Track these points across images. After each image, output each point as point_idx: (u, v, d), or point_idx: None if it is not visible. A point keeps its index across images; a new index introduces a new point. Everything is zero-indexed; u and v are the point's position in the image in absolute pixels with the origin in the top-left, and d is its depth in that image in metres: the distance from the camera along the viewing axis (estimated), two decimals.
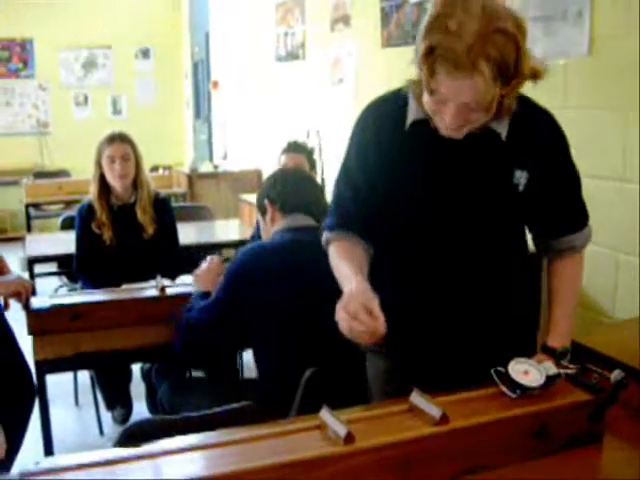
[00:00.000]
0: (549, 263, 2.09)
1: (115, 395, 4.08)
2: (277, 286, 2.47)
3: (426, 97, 1.74)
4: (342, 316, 1.71)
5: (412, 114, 1.88)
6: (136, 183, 3.95)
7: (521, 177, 1.89)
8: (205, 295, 2.76)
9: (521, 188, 1.89)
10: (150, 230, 3.91)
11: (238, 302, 2.49)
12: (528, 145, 1.89)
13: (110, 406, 4.09)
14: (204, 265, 3.00)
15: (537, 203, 1.95)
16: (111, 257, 3.83)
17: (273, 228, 2.65)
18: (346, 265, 1.92)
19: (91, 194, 3.94)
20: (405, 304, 1.99)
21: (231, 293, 2.52)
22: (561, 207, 2.01)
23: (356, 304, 1.70)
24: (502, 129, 1.85)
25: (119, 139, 3.92)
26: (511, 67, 1.65)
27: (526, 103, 1.91)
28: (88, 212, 3.91)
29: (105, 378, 4.02)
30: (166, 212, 4.08)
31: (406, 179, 1.91)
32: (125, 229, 3.88)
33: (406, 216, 1.95)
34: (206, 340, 2.60)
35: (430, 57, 1.64)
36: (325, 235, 2.05)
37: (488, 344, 1.99)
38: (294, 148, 4.35)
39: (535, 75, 1.78)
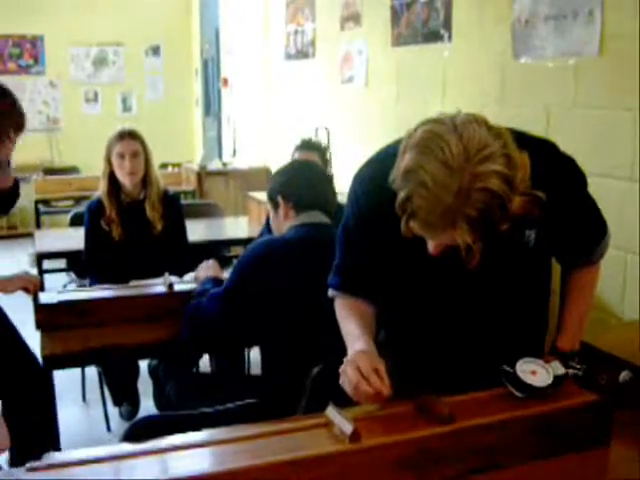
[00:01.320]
0: (564, 270, 2.07)
1: (122, 392, 4.09)
2: (288, 280, 2.46)
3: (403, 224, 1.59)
4: (351, 373, 1.71)
5: None
6: (145, 180, 3.93)
7: (530, 235, 1.83)
8: (214, 281, 2.78)
9: (531, 245, 1.85)
10: (159, 226, 3.90)
11: (247, 292, 2.48)
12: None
13: (117, 402, 4.10)
14: (203, 264, 3.13)
15: (549, 247, 1.93)
16: (120, 253, 3.83)
17: (286, 223, 2.64)
18: (353, 323, 1.93)
19: (100, 190, 3.93)
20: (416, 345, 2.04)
21: (241, 282, 2.52)
22: (573, 244, 1.97)
23: (367, 365, 1.71)
24: None
25: (129, 136, 3.90)
26: (495, 221, 1.51)
27: (539, 161, 1.69)
28: (97, 208, 3.90)
29: (113, 374, 4.02)
30: (175, 209, 4.07)
31: (416, 251, 1.75)
32: (134, 225, 3.88)
33: (418, 286, 1.93)
34: (213, 329, 2.59)
35: (407, 207, 1.52)
36: (330, 292, 2.06)
37: (495, 348, 1.98)
38: (307, 146, 4.34)
39: (527, 211, 1.58)
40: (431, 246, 1.62)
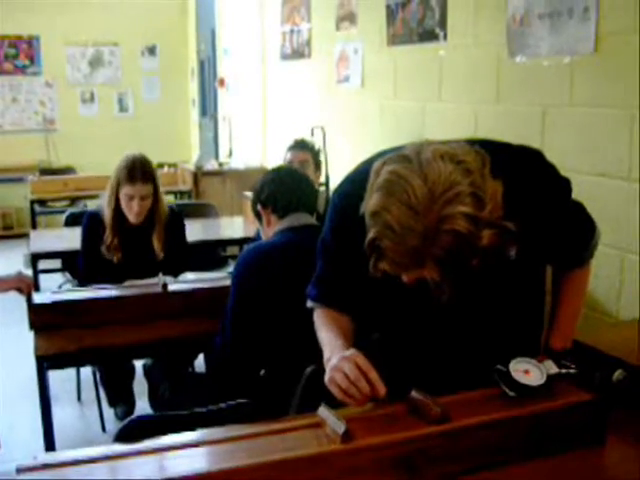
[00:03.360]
0: (555, 271, 2.07)
1: (118, 392, 4.07)
2: (277, 284, 2.46)
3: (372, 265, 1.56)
4: (340, 379, 1.68)
5: None
6: (153, 212, 3.75)
7: (511, 251, 1.72)
8: None
9: (512, 258, 1.74)
10: (161, 253, 3.76)
11: (246, 299, 2.48)
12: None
13: (113, 403, 4.09)
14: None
15: (536, 256, 1.90)
16: (118, 274, 3.60)
17: (271, 230, 2.64)
18: (331, 331, 1.92)
19: (105, 217, 3.71)
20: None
21: (239, 296, 2.52)
22: (561, 251, 1.96)
23: (355, 370, 1.67)
24: None
25: (141, 179, 3.63)
26: (464, 259, 1.48)
27: (521, 172, 1.75)
28: (94, 224, 3.75)
29: (108, 375, 4.01)
30: (178, 228, 3.96)
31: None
32: (136, 250, 3.73)
33: (400, 300, 1.89)
34: (234, 358, 2.57)
35: (375, 246, 1.51)
36: (308, 303, 2.06)
37: (489, 350, 1.97)
38: (300, 146, 4.35)
39: (497, 243, 1.52)
40: (404, 278, 1.59)
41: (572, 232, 1.95)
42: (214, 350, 2.62)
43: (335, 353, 1.79)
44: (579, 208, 1.98)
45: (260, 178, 2.80)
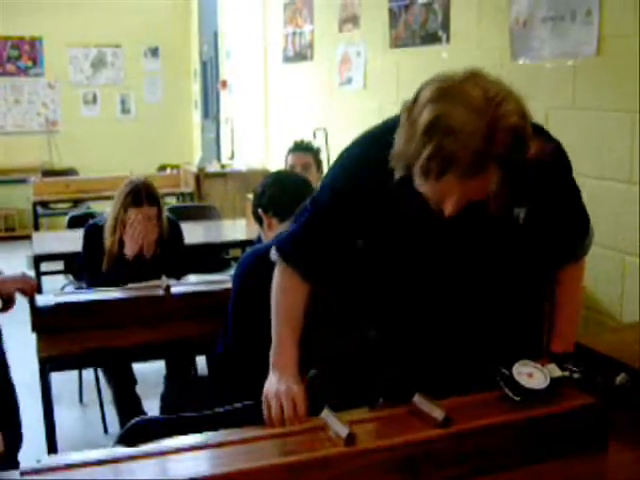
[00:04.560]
0: (552, 270, 2.05)
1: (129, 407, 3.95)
2: None
3: (423, 186, 1.59)
4: (275, 409, 1.77)
5: (399, 171, 1.66)
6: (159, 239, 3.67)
7: (520, 212, 1.80)
8: None
9: (521, 221, 1.81)
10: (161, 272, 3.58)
11: (249, 305, 2.48)
12: (525, 186, 1.67)
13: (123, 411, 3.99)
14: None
15: (536, 235, 1.89)
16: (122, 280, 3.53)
17: (273, 233, 2.64)
18: (288, 324, 1.95)
19: (106, 242, 3.61)
20: (401, 334, 2.00)
21: (240, 299, 2.51)
22: (559, 238, 1.95)
23: (290, 406, 1.76)
24: None
25: (147, 201, 3.57)
26: (520, 160, 1.54)
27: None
28: (95, 237, 3.67)
29: (119, 391, 3.89)
30: (177, 240, 3.90)
31: (403, 226, 1.82)
32: (138, 275, 3.55)
33: (401, 262, 1.89)
34: (235, 360, 2.55)
35: (436, 161, 1.50)
36: (276, 254, 1.99)
37: (491, 351, 1.97)
38: (300, 148, 4.34)
39: (539, 158, 1.61)
40: (451, 206, 1.58)
41: (574, 210, 1.98)
42: (216, 352, 2.62)
43: (283, 371, 1.88)
44: (580, 194, 2.00)
45: (260, 182, 2.81)
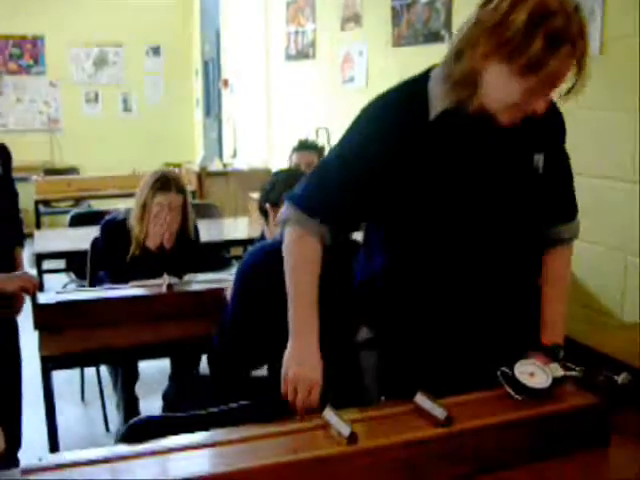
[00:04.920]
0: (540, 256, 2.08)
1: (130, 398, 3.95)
2: (282, 283, 2.45)
3: (515, 87, 1.67)
4: (290, 392, 1.85)
5: (440, 103, 1.78)
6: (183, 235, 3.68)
7: (539, 160, 1.89)
8: None
9: (540, 171, 1.90)
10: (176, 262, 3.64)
11: (250, 301, 2.48)
12: (542, 127, 1.85)
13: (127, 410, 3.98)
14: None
15: (550, 183, 1.95)
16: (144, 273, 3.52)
17: (277, 229, 2.65)
18: (304, 301, 1.95)
19: (133, 231, 3.60)
20: (422, 299, 1.97)
21: (242, 294, 2.51)
22: (559, 193, 2.02)
23: (305, 389, 1.84)
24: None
25: (175, 188, 3.58)
26: (587, 45, 1.69)
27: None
28: (116, 231, 3.66)
29: (126, 380, 3.88)
30: (196, 238, 3.91)
31: (433, 171, 1.83)
32: (160, 269, 3.50)
33: (431, 210, 1.88)
34: (230, 350, 2.56)
35: (553, 44, 1.61)
36: (289, 210, 1.94)
37: (495, 346, 1.98)
38: (305, 146, 4.34)
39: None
40: (544, 102, 1.72)
41: (569, 180, 2.05)
42: (212, 348, 2.62)
43: (307, 346, 1.90)
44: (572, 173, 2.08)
45: (271, 177, 2.83)
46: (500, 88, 1.68)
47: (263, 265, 2.51)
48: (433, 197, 1.86)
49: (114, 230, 3.66)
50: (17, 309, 3.02)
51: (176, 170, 8.02)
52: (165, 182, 3.56)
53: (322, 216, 1.89)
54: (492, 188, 1.87)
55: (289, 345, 1.91)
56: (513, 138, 1.83)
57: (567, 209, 2.06)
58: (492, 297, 1.97)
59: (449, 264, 1.92)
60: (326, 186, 1.90)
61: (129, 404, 3.80)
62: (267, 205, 2.71)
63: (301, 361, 1.87)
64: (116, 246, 3.62)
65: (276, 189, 2.69)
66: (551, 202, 2.00)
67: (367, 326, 2.10)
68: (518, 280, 2.00)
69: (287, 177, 2.78)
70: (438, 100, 1.79)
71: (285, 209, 1.96)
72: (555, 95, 1.75)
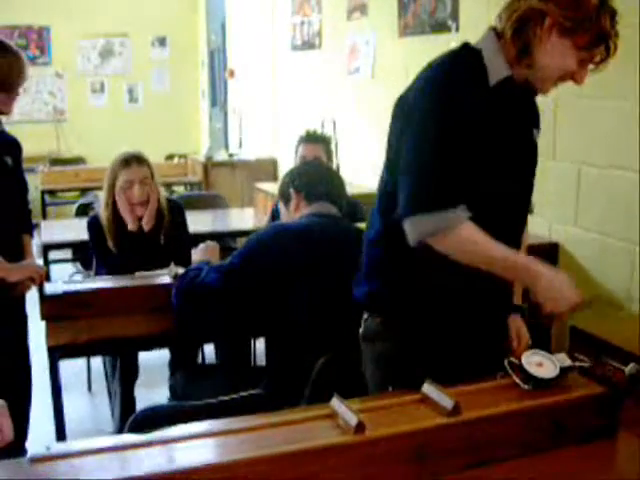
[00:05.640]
0: None
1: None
2: (296, 266, 2.45)
3: (570, 60, 1.84)
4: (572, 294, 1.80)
5: (499, 71, 1.89)
6: (157, 211, 3.65)
7: (537, 135, 2.05)
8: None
9: (536, 145, 2.05)
10: (168, 248, 3.63)
11: (254, 270, 2.47)
12: (534, 106, 2.06)
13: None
14: (201, 246, 3.02)
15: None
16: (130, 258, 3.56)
17: (298, 214, 2.66)
18: (503, 252, 1.81)
19: (103, 221, 3.62)
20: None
21: (249, 260, 2.50)
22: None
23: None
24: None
25: (136, 162, 3.58)
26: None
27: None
28: (96, 229, 3.66)
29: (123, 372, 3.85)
30: (180, 221, 3.86)
31: (494, 135, 1.90)
32: (141, 252, 3.59)
33: (492, 178, 1.88)
34: (208, 298, 2.52)
35: (612, 19, 1.84)
36: (420, 226, 1.79)
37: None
38: (312, 139, 4.31)
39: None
40: (585, 73, 1.92)
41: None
42: (190, 280, 2.60)
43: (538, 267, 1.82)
44: None
45: (300, 165, 3.02)
46: (558, 57, 1.83)
47: (271, 244, 2.51)
48: (489, 160, 1.88)
49: (96, 225, 3.67)
50: (18, 292, 3.03)
51: (182, 161, 8.09)
52: (126, 159, 3.57)
53: (449, 202, 1.78)
54: (526, 156, 2.02)
55: (533, 283, 1.81)
56: (530, 112, 2.03)
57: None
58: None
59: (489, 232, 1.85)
60: (431, 176, 1.80)
61: (126, 398, 3.78)
62: (291, 190, 2.71)
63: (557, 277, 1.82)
64: (100, 240, 3.62)
65: (304, 177, 2.71)
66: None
67: (374, 316, 2.08)
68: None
69: (317, 168, 2.81)
70: (497, 68, 1.89)
71: (411, 228, 1.80)
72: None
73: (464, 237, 1.79)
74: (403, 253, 1.88)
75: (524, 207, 2.07)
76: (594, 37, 1.82)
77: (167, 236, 3.67)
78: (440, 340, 1.98)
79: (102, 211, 3.61)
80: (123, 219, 3.58)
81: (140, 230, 3.60)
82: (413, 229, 1.79)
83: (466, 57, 1.92)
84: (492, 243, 1.79)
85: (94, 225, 3.68)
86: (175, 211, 3.81)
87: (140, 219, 3.59)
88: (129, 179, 3.54)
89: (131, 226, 3.58)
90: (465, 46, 1.95)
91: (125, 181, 3.54)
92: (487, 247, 1.79)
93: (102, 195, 3.67)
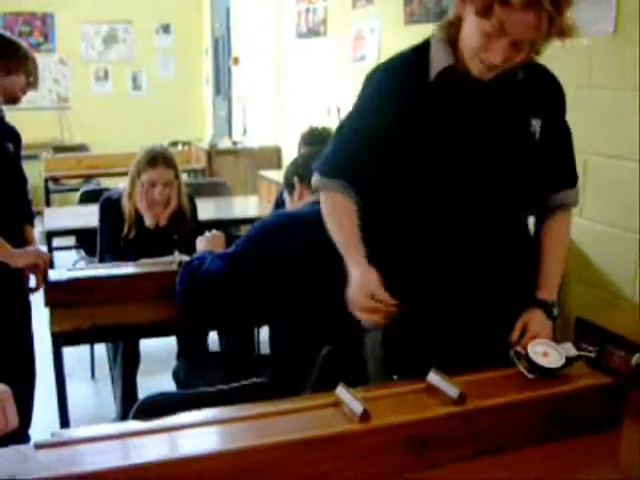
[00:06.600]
0: (539, 221, 2.10)
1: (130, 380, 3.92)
2: (300, 253, 2.45)
3: (474, 31, 1.74)
4: (364, 303, 1.80)
5: (440, 62, 1.87)
6: (178, 212, 3.65)
7: (536, 125, 1.93)
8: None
9: (537, 136, 1.94)
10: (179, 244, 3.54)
11: (256, 260, 2.46)
12: (540, 93, 1.94)
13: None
14: (207, 234, 3.03)
15: (546, 150, 1.98)
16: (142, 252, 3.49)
17: (302, 202, 2.65)
18: (346, 234, 1.97)
19: (125, 210, 3.59)
20: (419, 264, 1.99)
21: (252, 247, 2.49)
22: (562, 158, 2.04)
23: (367, 295, 1.79)
24: (520, 76, 1.90)
25: (163, 164, 3.55)
26: (562, 13, 1.67)
27: (543, 70, 1.99)
28: (112, 209, 3.64)
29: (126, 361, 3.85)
30: (193, 215, 3.86)
31: (434, 130, 1.89)
32: (153, 247, 3.50)
33: (431, 168, 1.92)
34: (212, 284, 2.51)
35: None
36: (316, 179, 2.08)
37: (501, 321, 1.98)
38: (315, 140, 4.24)
39: (568, 32, 1.76)
40: (495, 53, 1.73)
41: (570, 146, 2.06)
42: (195, 267, 2.60)
43: (353, 263, 1.89)
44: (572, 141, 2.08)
45: (303, 152, 2.97)
46: (467, 33, 1.78)
47: (275, 231, 2.50)
48: (432, 155, 1.91)
49: (110, 209, 3.66)
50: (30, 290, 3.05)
51: (186, 148, 8.08)
52: (153, 158, 3.54)
53: (341, 176, 2.00)
54: (488, 147, 1.92)
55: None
56: (509, 100, 1.91)
57: (566, 177, 2.08)
58: (487, 259, 1.99)
59: (444, 224, 1.96)
60: (341, 150, 2.03)
61: (127, 385, 3.77)
62: (295, 178, 2.71)
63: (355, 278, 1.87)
64: (113, 225, 3.61)
65: (308, 165, 2.70)
66: (551, 169, 2.03)
67: None
68: (512, 242, 2.04)
69: (316, 154, 2.80)
70: (437, 60, 1.88)
71: (313, 179, 2.10)
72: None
73: (330, 204, 2.04)
74: (377, 236, 2.00)
75: (494, 201, 1.97)
76: (481, 5, 1.69)
77: (182, 234, 3.64)
78: (438, 328, 1.99)
79: (125, 201, 3.60)
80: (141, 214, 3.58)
81: (156, 225, 3.60)
82: (313, 181, 2.11)
83: (410, 56, 1.95)
84: (344, 223, 1.98)
85: (107, 207, 3.67)
86: (191, 205, 3.81)
87: (158, 217, 3.59)
88: (152, 179, 3.53)
89: (149, 223, 3.57)
90: (424, 42, 1.96)
91: (148, 180, 3.52)
92: (338, 223, 2.00)
93: (125, 185, 3.65)
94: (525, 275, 2.04)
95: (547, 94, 1.97)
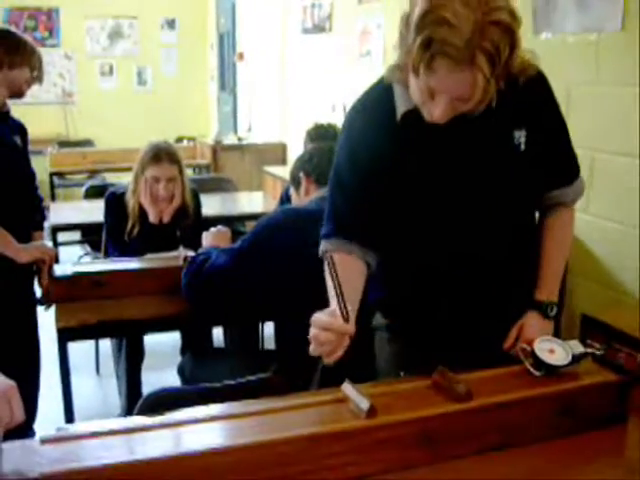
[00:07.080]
0: (539, 221, 2.07)
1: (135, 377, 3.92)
2: (305, 249, 2.44)
3: (414, 87, 1.70)
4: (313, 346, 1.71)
5: (402, 105, 1.83)
6: (182, 208, 3.66)
7: (520, 136, 1.87)
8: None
9: (522, 147, 1.87)
10: (182, 239, 3.61)
11: (262, 254, 2.46)
12: (521, 103, 1.84)
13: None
14: (212, 230, 3.02)
15: (535, 158, 1.92)
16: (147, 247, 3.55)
17: (308, 198, 2.65)
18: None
19: (129, 206, 3.61)
20: (422, 291, 2.00)
21: (258, 242, 2.49)
22: (556, 157, 1.98)
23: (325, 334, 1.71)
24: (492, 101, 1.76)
25: (167, 160, 3.55)
26: (502, 61, 1.58)
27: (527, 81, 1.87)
28: (117, 204, 3.66)
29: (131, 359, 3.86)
30: (196, 209, 3.88)
31: (406, 172, 1.86)
32: (157, 243, 3.56)
33: (412, 209, 1.91)
34: (218, 278, 2.53)
35: (427, 51, 1.57)
36: (322, 245, 1.99)
37: (503, 324, 1.97)
38: (323, 137, 4.24)
39: (522, 71, 1.73)
40: (438, 110, 1.67)
41: (566, 144, 2.01)
42: (201, 262, 2.61)
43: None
44: (569, 135, 2.03)
45: (310, 147, 2.90)
46: (411, 84, 1.72)
47: (281, 226, 2.50)
48: (415, 192, 1.88)
49: (114, 204, 3.67)
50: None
51: (191, 144, 8.07)
52: (157, 154, 3.53)
53: (344, 234, 1.93)
54: (471, 174, 1.87)
55: None
56: (486, 119, 1.78)
57: (564, 174, 2.03)
58: (488, 273, 1.96)
59: (440, 252, 1.93)
60: (335, 207, 1.98)
61: (132, 380, 3.77)
62: (301, 174, 2.71)
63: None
64: (118, 220, 3.62)
65: (314, 161, 2.69)
66: (547, 169, 1.98)
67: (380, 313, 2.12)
68: (513, 253, 2.00)
69: (328, 150, 2.78)
70: (400, 101, 1.85)
71: (320, 248, 2.01)
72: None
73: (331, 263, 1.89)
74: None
75: (489, 220, 1.93)
76: (412, 64, 1.64)
77: (184, 230, 3.65)
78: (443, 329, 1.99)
79: (129, 196, 3.61)
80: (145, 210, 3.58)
81: (160, 221, 3.60)
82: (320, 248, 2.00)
83: (375, 97, 1.95)
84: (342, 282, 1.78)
85: (112, 202, 3.68)
86: (194, 201, 3.82)
87: (162, 212, 3.59)
88: (156, 176, 3.53)
89: (152, 218, 3.57)
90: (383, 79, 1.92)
91: (152, 176, 3.53)
92: (332, 283, 1.80)
93: (129, 180, 3.65)
94: (527, 284, 2.03)
95: (530, 100, 1.86)
